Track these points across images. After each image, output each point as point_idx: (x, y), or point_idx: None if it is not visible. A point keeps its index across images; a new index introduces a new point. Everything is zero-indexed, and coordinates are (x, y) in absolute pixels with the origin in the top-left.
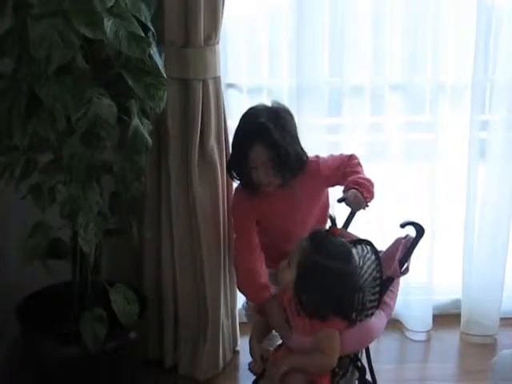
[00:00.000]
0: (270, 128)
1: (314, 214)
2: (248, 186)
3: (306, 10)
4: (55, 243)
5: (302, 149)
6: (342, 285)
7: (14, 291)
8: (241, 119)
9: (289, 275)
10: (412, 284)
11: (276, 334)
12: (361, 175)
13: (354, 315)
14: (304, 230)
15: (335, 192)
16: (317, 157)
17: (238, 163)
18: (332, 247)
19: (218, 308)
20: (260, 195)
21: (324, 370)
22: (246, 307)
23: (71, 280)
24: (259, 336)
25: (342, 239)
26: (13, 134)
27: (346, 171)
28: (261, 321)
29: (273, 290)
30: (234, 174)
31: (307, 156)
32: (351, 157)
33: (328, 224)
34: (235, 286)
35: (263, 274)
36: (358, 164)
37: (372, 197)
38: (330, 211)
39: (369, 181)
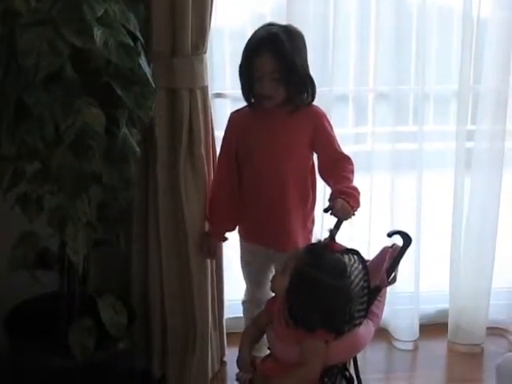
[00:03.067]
0: (280, 38)
1: (294, 159)
2: (249, 98)
3: (292, 20)
4: (43, 253)
5: (310, 75)
6: (333, 300)
7: (2, 301)
8: (254, 32)
9: (282, 282)
10: (399, 293)
11: (265, 342)
12: (349, 184)
13: (342, 326)
14: (283, 172)
15: (321, 201)
16: (324, 114)
17: (244, 72)
18: (328, 261)
19: (206, 319)
20: (251, 117)
21: (307, 382)
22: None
23: (58, 290)
24: (250, 343)
25: (339, 255)
26: (1, 142)
27: (338, 173)
28: (251, 327)
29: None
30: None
31: (313, 82)
32: (349, 160)
33: (326, 237)
34: (223, 296)
35: (228, 207)
36: (352, 171)
37: (358, 206)
38: (324, 225)
39: (355, 189)
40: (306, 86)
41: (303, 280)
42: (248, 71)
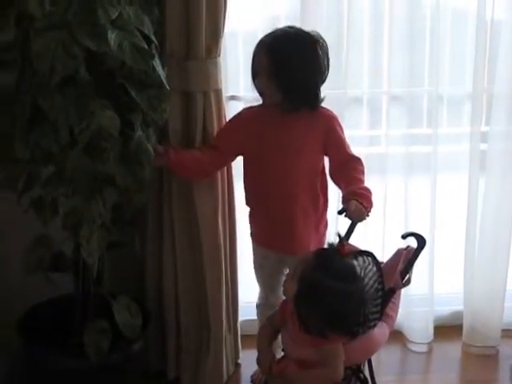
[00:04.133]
0: (278, 39)
1: (304, 162)
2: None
3: (306, 23)
4: (57, 256)
5: (316, 83)
6: (343, 305)
7: (16, 304)
8: None
9: (292, 287)
10: (413, 295)
11: (279, 344)
12: (360, 185)
13: (356, 329)
14: (291, 175)
15: (334, 204)
16: (335, 117)
17: (251, 69)
18: (337, 266)
19: (220, 321)
20: (261, 117)
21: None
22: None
23: (73, 292)
24: (268, 341)
25: (348, 260)
26: (15, 146)
27: (349, 174)
28: (267, 326)
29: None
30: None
31: (319, 93)
32: (360, 161)
33: (335, 241)
34: (237, 298)
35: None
36: (363, 172)
37: (372, 206)
38: (335, 228)
39: (368, 190)
40: (303, 90)
41: (311, 286)
42: (252, 66)
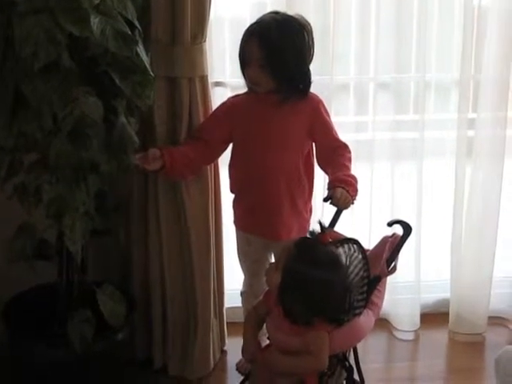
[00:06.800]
0: (269, 26)
1: (289, 147)
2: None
3: (292, 8)
4: (41, 244)
5: (307, 69)
6: (326, 293)
7: None
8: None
9: (275, 278)
10: (399, 283)
11: (264, 332)
12: (346, 172)
13: (341, 316)
14: (275, 160)
15: (319, 192)
16: (321, 101)
17: (238, 57)
18: (317, 255)
19: (207, 307)
20: (247, 104)
21: (314, 372)
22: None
23: (57, 281)
24: (254, 329)
25: (330, 248)
26: None
27: (336, 161)
28: (253, 314)
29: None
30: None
31: (310, 79)
32: (347, 148)
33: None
34: (223, 285)
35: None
36: (350, 160)
37: (357, 194)
38: (321, 215)
39: (353, 177)
40: (296, 77)
41: (293, 276)
42: (240, 56)
